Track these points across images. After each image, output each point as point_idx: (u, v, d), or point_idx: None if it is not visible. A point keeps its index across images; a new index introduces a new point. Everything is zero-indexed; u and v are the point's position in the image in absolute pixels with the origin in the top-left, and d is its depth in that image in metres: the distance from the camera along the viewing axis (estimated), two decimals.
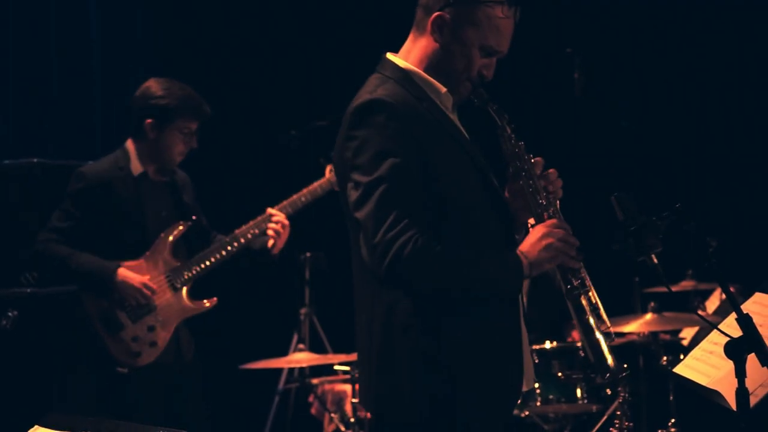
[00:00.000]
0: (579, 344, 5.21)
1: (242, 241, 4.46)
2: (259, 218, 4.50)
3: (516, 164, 2.85)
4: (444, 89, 2.86)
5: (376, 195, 2.66)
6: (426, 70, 2.86)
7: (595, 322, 2.74)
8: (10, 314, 4.63)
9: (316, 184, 4.64)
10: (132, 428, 2.62)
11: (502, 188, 2.92)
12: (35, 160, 4.98)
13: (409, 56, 2.89)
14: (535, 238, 2.76)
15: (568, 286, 2.77)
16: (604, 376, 2.80)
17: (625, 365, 3.00)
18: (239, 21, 6.87)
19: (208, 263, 4.44)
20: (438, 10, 2.82)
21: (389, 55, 2.91)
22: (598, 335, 2.73)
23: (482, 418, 2.78)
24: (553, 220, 2.78)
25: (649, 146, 5.89)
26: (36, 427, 2.77)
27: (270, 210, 4.50)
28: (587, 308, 2.75)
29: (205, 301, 4.47)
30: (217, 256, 4.45)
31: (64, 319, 4.64)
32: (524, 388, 2.90)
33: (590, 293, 2.77)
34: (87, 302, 4.30)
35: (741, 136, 6.21)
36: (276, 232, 4.44)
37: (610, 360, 2.72)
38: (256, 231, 4.48)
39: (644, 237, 2.88)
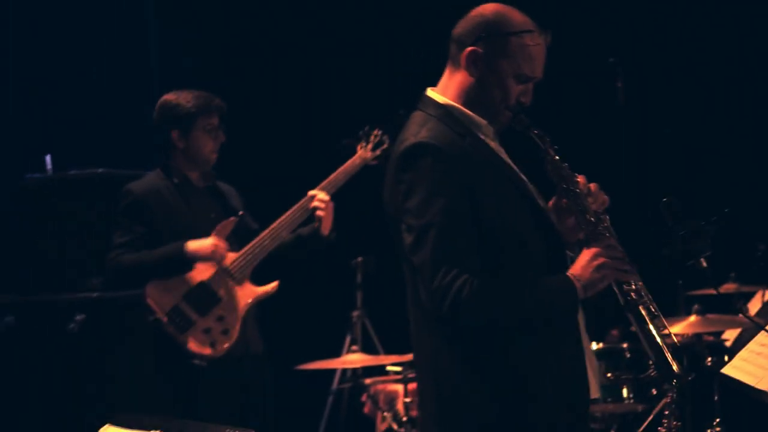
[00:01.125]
0: (624, 345, 5.23)
1: (291, 224, 4.47)
2: (302, 201, 4.50)
3: (562, 186, 2.82)
4: (484, 122, 2.84)
5: (430, 239, 2.65)
6: (465, 104, 2.84)
7: (656, 330, 2.70)
8: (77, 318, 4.70)
9: (349, 162, 4.67)
10: (200, 427, 2.69)
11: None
12: (99, 170, 5.08)
13: (447, 91, 2.87)
14: (585, 260, 2.74)
15: (627, 298, 2.73)
16: (671, 383, 2.78)
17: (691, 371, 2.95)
18: (294, 39, 6.91)
19: (263, 250, 4.44)
20: (470, 45, 2.80)
21: (429, 92, 2.89)
22: (661, 343, 2.69)
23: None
24: (604, 241, 2.75)
25: (693, 152, 5.84)
26: (107, 425, 2.81)
27: (310, 192, 4.50)
28: (647, 317, 2.71)
29: (266, 286, 4.49)
30: (272, 243, 4.45)
31: (130, 321, 4.68)
32: (594, 395, 2.88)
33: (648, 302, 2.73)
34: (154, 303, 4.30)
35: None
36: (319, 208, 4.43)
37: (675, 366, 2.68)
38: (301, 213, 4.48)
39: (693, 241, 2.88)
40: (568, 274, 2.73)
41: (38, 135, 5.49)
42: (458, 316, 2.64)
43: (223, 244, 4.32)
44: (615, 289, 2.76)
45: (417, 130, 2.77)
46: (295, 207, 4.47)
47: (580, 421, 2.87)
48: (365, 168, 4.71)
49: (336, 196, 4.57)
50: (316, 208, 4.44)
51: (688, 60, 6.32)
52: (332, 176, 4.60)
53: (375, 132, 4.77)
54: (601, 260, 2.71)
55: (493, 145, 2.86)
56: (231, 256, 4.41)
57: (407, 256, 2.75)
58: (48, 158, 5.17)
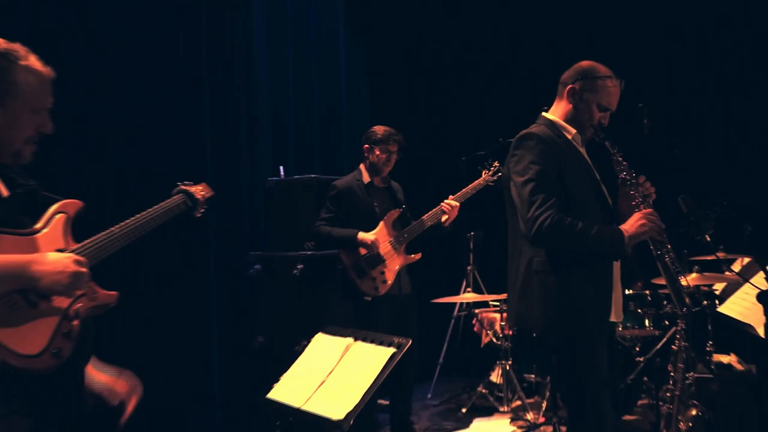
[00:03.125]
0: (647, 292, 5.07)
1: (435, 219, 4.47)
2: (440, 205, 4.49)
3: (623, 177, 2.82)
4: (574, 131, 2.86)
5: (528, 189, 2.69)
6: (565, 121, 2.88)
7: (675, 275, 2.67)
8: (299, 266, 4.77)
9: (476, 182, 4.62)
10: (375, 336, 2.66)
11: (611, 193, 2.87)
12: (312, 176, 5.13)
13: (554, 112, 2.92)
14: (634, 220, 2.72)
15: (658, 252, 2.69)
16: (682, 310, 2.72)
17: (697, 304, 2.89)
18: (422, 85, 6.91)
19: (414, 233, 4.46)
20: (571, 84, 2.85)
21: (543, 113, 2.94)
22: (678, 284, 2.66)
23: (583, 331, 2.75)
24: (648, 210, 2.73)
25: (696, 164, 5.63)
26: (319, 333, 2.85)
27: (447, 200, 4.50)
28: (671, 266, 2.67)
29: (414, 255, 4.50)
30: (420, 228, 4.46)
31: (330, 269, 4.69)
32: (613, 319, 2.82)
33: (672, 256, 2.69)
34: (344, 259, 4.37)
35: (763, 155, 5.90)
36: (447, 210, 4.44)
37: (687, 300, 2.66)
38: (439, 212, 4.48)
39: (701, 224, 2.81)
40: (620, 227, 2.73)
41: (276, 152, 5.55)
42: (540, 238, 2.67)
43: (376, 244, 4.33)
44: (651, 245, 2.72)
45: (530, 128, 2.86)
46: (436, 208, 4.48)
47: (604, 327, 2.84)
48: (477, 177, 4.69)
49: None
50: (445, 209, 4.46)
51: (689, 105, 6.12)
52: (463, 191, 4.57)
53: (495, 163, 4.69)
54: (644, 221, 2.69)
55: (580, 148, 2.89)
56: (394, 233, 4.44)
57: (511, 202, 2.82)
58: (281, 168, 5.26)
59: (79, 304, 2.03)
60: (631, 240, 2.68)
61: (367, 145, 4.49)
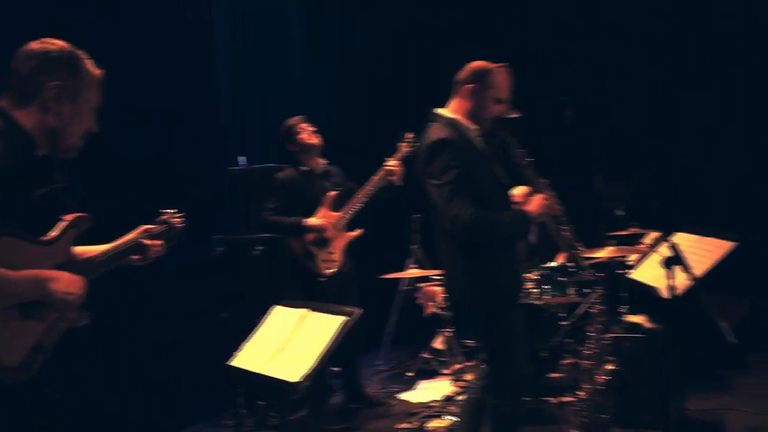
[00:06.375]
0: (569, 264, 5.13)
1: (383, 182, 4.43)
2: (381, 171, 4.46)
3: (522, 163, 2.93)
4: (474, 127, 2.90)
5: (447, 190, 2.74)
6: (464, 117, 2.90)
7: (573, 243, 2.86)
8: (258, 248, 4.74)
9: (397, 154, 4.55)
10: (327, 306, 2.71)
11: (510, 180, 3.00)
12: (269, 165, 5.03)
13: (453, 110, 2.92)
14: (535, 202, 2.87)
15: (568, 244, 2.92)
16: (583, 270, 2.91)
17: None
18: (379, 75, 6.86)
19: (354, 209, 4.43)
20: (468, 84, 2.89)
21: (439, 110, 2.95)
22: (577, 250, 2.90)
23: (501, 303, 2.87)
24: (543, 194, 2.88)
25: (613, 150, 5.77)
26: (276, 306, 2.85)
27: (386, 164, 4.46)
28: (569, 237, 2.90)
29: (354, 232, 4.49)
30: (364, 198, 4.43)
31: (283, 252, 4.64)
32: None
33: (577, 245, 2.92)
34: (295, 247, 4.38)
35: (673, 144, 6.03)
36: (393, 168, 4.42)
37: (584, 262, 2.96)
38: (381, 178, 4.44)
39: (614, 201, 2.90)
40: (522, 209, 2.87)
41: (235, 145, 5.46)
42: (464, 233, 2.74)
43: (323, 222, 4.28)
44: (552, 222, 2.88)
45: (438, 132, 2.86)
46: (380, 172, 4.42)
47: (519, 295, 2.98)
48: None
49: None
50: (392, 168, 4.40)
51: (606, 96, 6.22)
52: (395, 158, 4.52)
53: (408, 135, 4.62)
54: (542, 203, 2.85)
55: (478, 141, 2.93)
56: (336, 215, 4.41)
57: (432, 199, 2.87)
58: (240, 159, 5.19)
59: (61, 321, 1.97)
60: (533, 220, 2.84)
61: (288, 142, 4.43)
